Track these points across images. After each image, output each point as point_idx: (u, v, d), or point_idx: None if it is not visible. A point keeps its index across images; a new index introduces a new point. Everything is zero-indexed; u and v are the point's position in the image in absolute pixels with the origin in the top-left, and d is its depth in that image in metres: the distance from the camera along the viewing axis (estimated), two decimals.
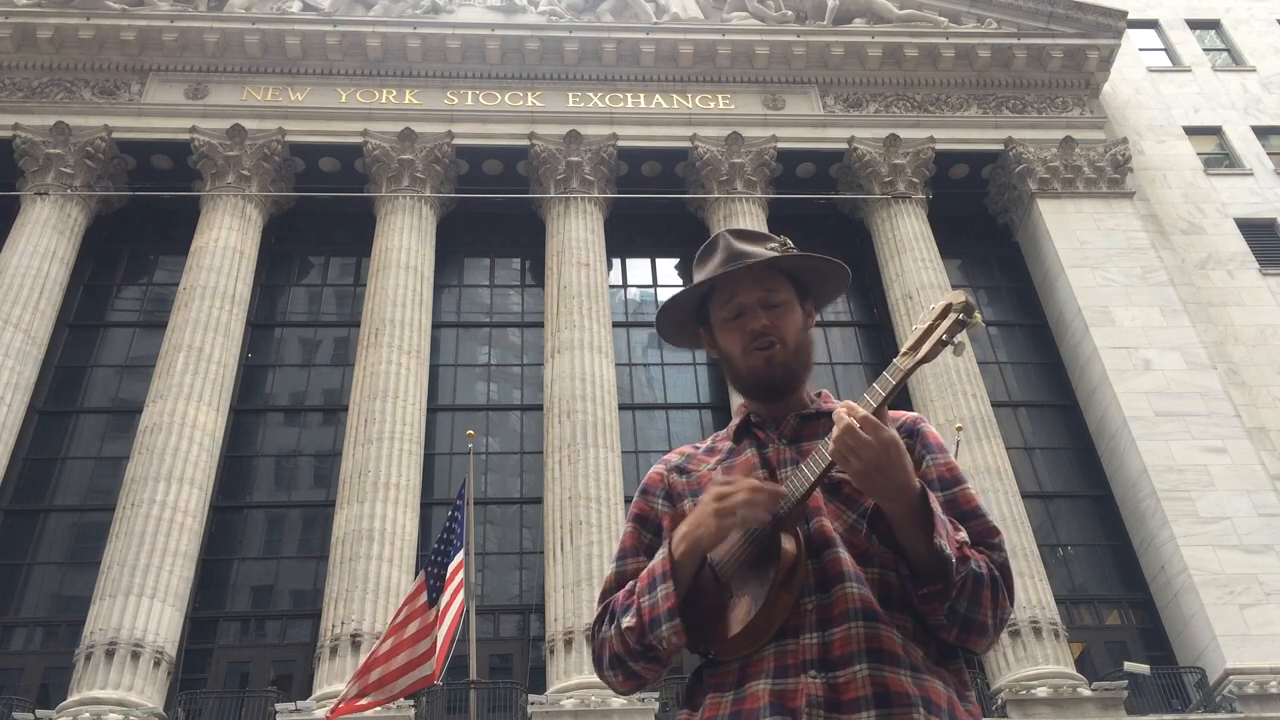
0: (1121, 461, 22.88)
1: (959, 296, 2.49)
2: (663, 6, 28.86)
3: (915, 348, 2.50)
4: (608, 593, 2.84)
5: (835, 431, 2.44)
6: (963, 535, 2.57)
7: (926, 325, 2.51)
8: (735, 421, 3.00)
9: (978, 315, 2.47)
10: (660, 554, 2.67)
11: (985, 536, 2.64)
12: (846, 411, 2.45)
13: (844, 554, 2.60)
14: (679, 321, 3.07)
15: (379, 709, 18.01)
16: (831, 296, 3.07)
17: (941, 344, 2.47)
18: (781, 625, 2.53)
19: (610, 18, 28.45)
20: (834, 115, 27.77)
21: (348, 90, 27.14)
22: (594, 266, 24.89)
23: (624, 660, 2.69)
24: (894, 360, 2.52)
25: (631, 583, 2.74)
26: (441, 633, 14.71)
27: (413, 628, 14.84)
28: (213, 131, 25.89)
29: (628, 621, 2.65)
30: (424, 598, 15.05)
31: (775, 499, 2.54)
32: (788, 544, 2.53)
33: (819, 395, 2.99)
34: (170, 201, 26.09)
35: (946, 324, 2.47)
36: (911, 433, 2.81)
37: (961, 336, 2.49)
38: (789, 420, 2.88)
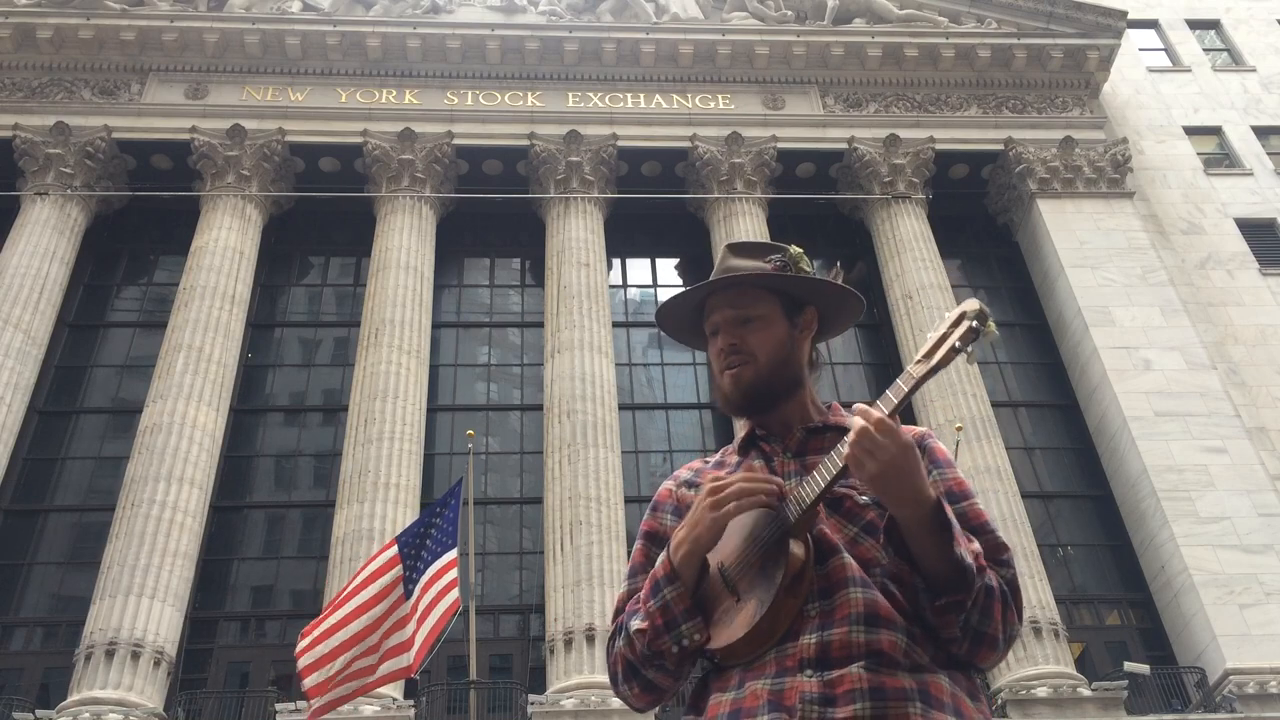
0: (1121, 461, 22.88)
1: (973, 305, 2.48)
2: (663, 6, 28.86)
3: (929, 355, 2.50)
4: (619, 611, 2.83)
5: (851, 435, 2.44)
6: (976, 547, 2.57)
7: (940, 333, 2.50)
8: (742, 434, 3.00)
9: (992, 324, 2.47)
10: (660, 558, 2.68)
11: (995, 553, 2.63)
12: (861, 415, 2.45)
13: (849, 560, 2.60)
14: (682, 327, 3.09)
15: (379, 709, 18.04)
16: (843, 307, 3.01)
17: (955, 351, 2.46)
18: (785, 629, 2.53)
19: (610, 18, 28.45)
20: (834, 115, 27.77)
21: (348, 90, 27.15)
22: (594, 266, 24.88)
23: (637, 670, 2.69)
24: (907, 368, 2.53)
25: (637, 594, 2.75)
26: (425, 628, 14.54)
27: (388, 617, 14.62)
28: (213, 131, 25.89)
29: (637, 624, 2.65)
30: (400, 589, 14.82)
31: (770, 484, 2.57)
32: (796, 549, 2.54)
33: (829, 407, 2.97)
34: (170, 201, 26.09)
35: (960, 331, 2.47)
36: (920, 447, 2.77)
37: (975, 344, 2.48)
38: (795, 433, 2.87)
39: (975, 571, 2.48)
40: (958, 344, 2.46)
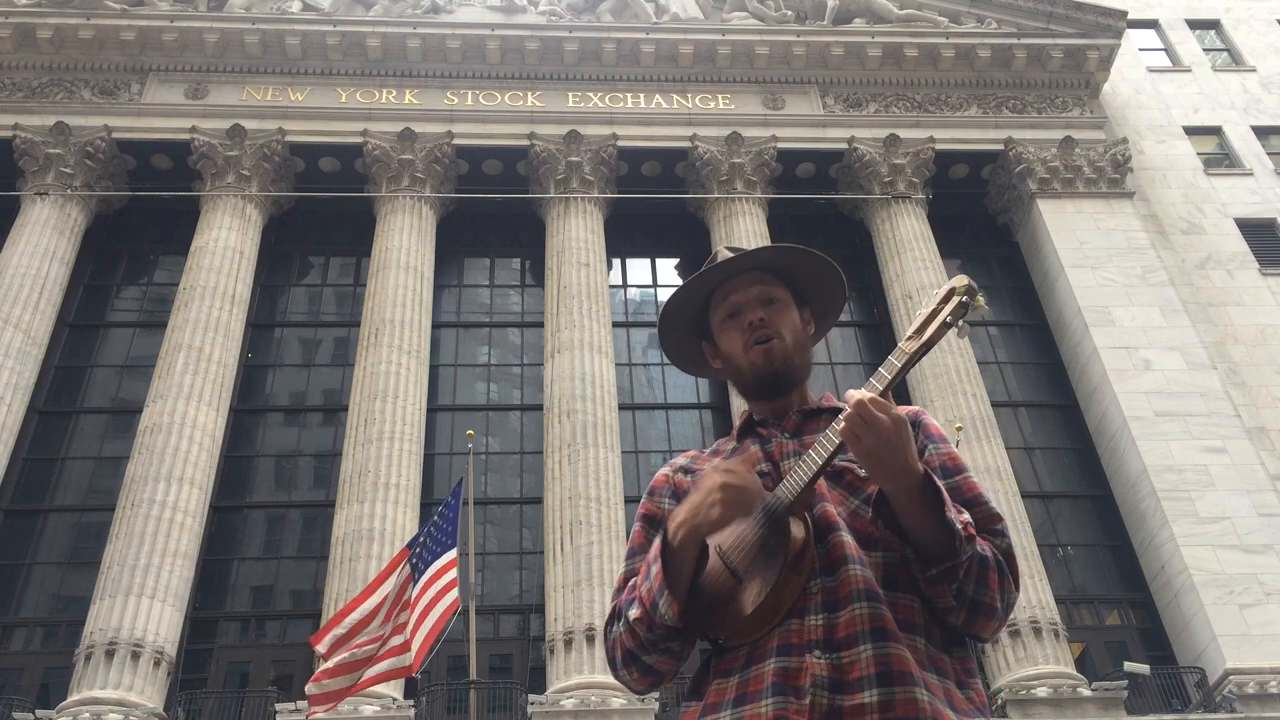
0: (1121, 461, 22.88)
1: (962, 280, 2.51)
2: (663, 6, 28.86)
3: (919, 331, 2.51)
4: (617, 593, 2.86)
5: (846, 410, 2.47)
6: (966, 518, 2.60)
7: (930, 309, 2.53)
8: (739, 422, 3.04)
9: (981, 298, 2.49)
10: (655, 541, 2.70)
11: (988, 523, 2.66)
12: (856, 394, 2.49)
13: (847, 538, 2.63)
14: (682, 347, 3.13)
15: (379, 709, 18.05)
16: (831, 305, 3.10)
17: (946, 326, 2.48)
18: (789, 607, 2.55)
19: (610, 18, 28.45)
20: (834, 115, 27.77)
21: (348, 90, 27.15)
22: (594, 266, 24.89)
23: (636, 655, 2.71)
24: (899, 344, 2.54)
25: (634, 579, 2.78)
26: (425, 628, 14.65)
27: (395, 618, 14.82)
28: (213, 131, 25.89)
29: (634, 613, 2.68)
30: (408, 591, 15.04)
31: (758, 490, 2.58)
32: (796, 529, 2.56)
33: (822, 398, 3.03)
34: (170, 201, 26.10)
35: (950, 307, 2.49)
36: (914, 424, 2.83)
37: (965, 319, 2.50)
38: (791, 416, 2.92)
39: (965, 538, 2.50)
40: (949, 319, 2.48)
